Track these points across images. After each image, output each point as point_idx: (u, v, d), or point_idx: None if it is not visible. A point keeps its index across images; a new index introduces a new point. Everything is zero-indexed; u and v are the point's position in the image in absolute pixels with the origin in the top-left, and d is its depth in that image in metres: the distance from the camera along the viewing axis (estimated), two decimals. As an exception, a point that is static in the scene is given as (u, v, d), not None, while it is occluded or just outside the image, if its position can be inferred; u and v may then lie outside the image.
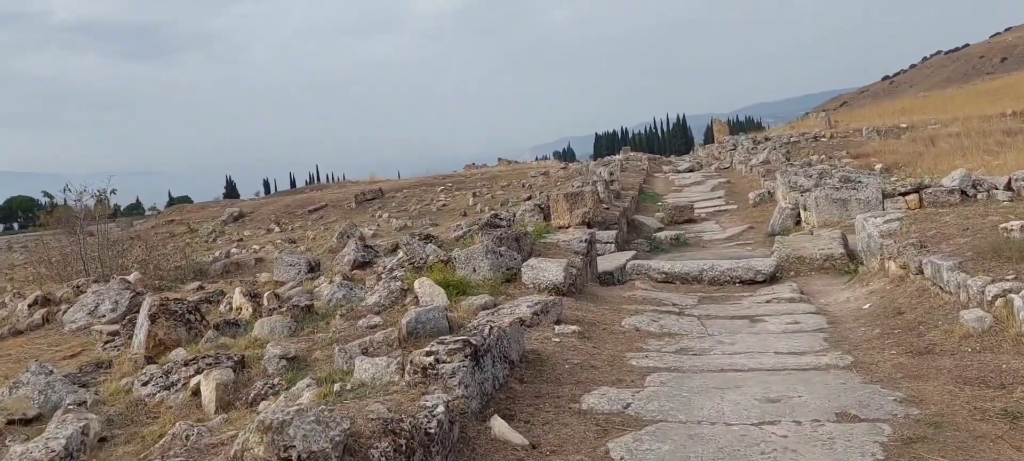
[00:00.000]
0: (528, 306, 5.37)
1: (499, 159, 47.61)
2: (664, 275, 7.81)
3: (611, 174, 20.13)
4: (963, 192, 10.06)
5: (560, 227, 11.71)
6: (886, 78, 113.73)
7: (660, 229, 13.19)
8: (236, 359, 5.03)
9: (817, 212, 10.59)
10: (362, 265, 8.18)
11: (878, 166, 19.09)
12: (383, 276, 7.08)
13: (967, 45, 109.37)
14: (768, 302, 6.60)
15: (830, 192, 10.56)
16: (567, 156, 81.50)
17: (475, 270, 6.58)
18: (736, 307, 6.52)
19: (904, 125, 27.61)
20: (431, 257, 7.12)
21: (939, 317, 4.99)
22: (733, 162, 24.99)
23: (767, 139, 29.59)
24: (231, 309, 7.20)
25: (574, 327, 5.20)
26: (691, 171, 25.92)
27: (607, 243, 10.86)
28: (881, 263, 7.08)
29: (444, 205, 27.75)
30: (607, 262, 9.33)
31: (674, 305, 6.67)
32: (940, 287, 5.48)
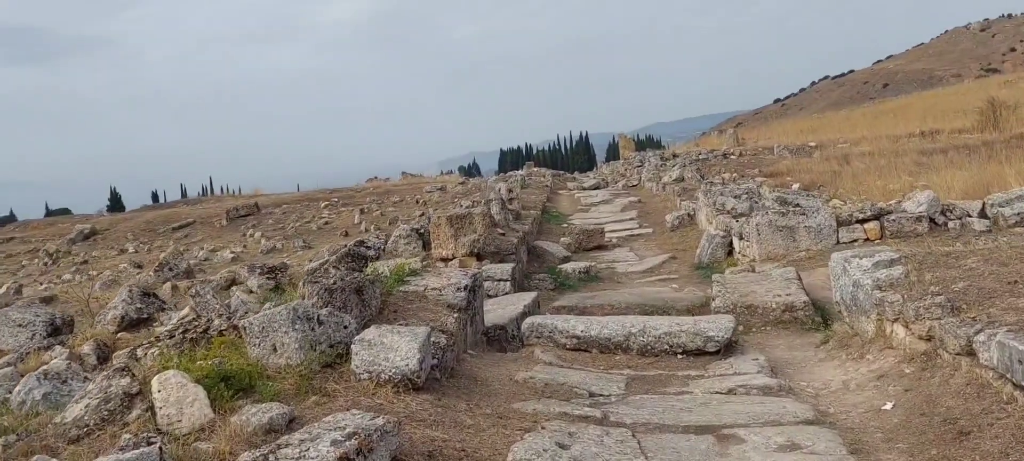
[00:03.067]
0: (335, 441, 2.89)
1: (403, 173, 45.25)
2: (576, 341, 5.47)
3: (511, 191, 17.88)
4: (932, 220, 8.28)
5: (442, 259, 9.28)
6: (777, 101, 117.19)
7: (566, 258, 10.96)
8: None
9: (759, 242, 8.57)
10: (134, 324, 5.53)
11: (795, 185, 17.67)
12: (138, 355, 4.43)
13: (852, 71, 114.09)
14: (733, 393, 4.36)
15: (774, 218, 8.57)
16: (472, 171, 79.46)
17: (276, 348, 4.05)
18: (686, 403, 4.23)
19: (813, 144, 26.72)
20: (217, 321, 4.53)
21: (1059, 457, 2.84)
22: (642, 180, 23.28)
23: (675, 156, 28.14)
24: None
25: (417, 486, 2.76)
26: (597, 188, 24.05)
27: (501, 280, 8.50)
28: (879, 326, 4.99)
29: (326, 223, 24.86)
30: (500, 309, 6.95)
31: (591, 398, 4.35)
32: (1021, 387, 3.36)
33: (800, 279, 7.21)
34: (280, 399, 3.67)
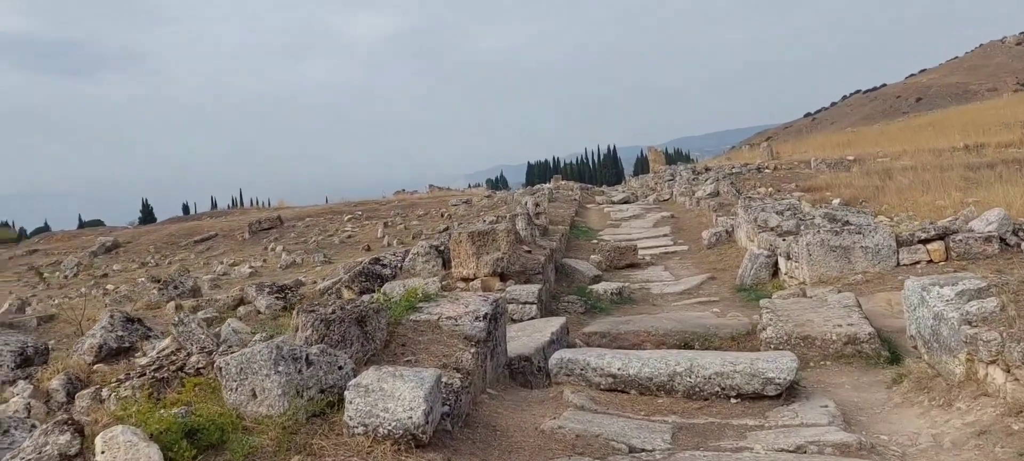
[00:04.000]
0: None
1: (430, 186, 45.04)
2: (611, 380, 4.77)
3: (537, 205, 17.17)
4: (1003, 240, 7.47)
5: (463, 278, 8.62)
6: (808, 115, 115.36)
7: (597, 278, 10.25)
8: None
9: (810, 263, 7.80)
10: (113, 354, 4.95)
11: (835, 201, 16.85)
12: (111, 401, 3.81)
13: (884, 85, 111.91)
14: (803, 451, 3.63)
15: (826, 237, 7.80)
16: (500, 184, 79.13)
17: (256, 394, 3.41)
18: (748, 464, 3.51)
19: (851, 158, 25.76)
20: (195, 357, 3.91)
21: None
22: (673, 194, 22.47)
23: (707, 169, 27.31)
24: None
25: None
26: (627, 203, 23.28)
27: (527, 303, 7.81)
28: (970, 367, 4.23)
29: (349, 236, 24.36)
30: (525, 337, 6.26)
31: (631, 454, 3.65)
32: None
33: (860, 306, 6.44)
34: (254, 461, 3.03)
